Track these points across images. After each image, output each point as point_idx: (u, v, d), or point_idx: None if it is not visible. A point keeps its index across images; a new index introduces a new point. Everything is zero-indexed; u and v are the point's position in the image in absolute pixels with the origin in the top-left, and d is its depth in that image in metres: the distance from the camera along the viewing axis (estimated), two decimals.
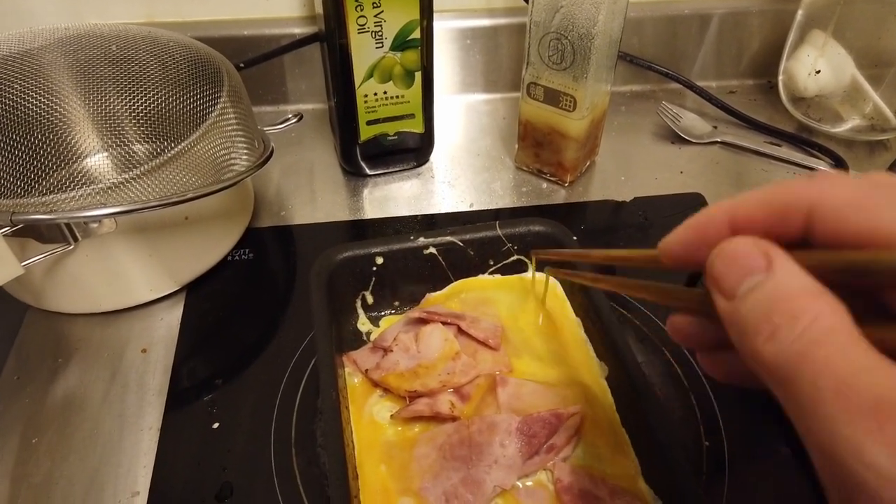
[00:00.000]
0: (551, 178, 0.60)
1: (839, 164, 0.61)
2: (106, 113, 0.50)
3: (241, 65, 0.62)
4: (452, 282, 0.46)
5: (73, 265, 0.43)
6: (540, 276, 0.44)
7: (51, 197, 0.38)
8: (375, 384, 0.40)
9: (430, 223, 0.56)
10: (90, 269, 0.44)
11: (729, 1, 0.69)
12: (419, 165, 0.62)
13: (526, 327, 0.43)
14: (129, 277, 0.46)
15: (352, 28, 0.50)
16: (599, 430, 0.37)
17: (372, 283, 0.44)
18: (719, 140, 0.65)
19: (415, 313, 0.42)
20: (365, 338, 0.44)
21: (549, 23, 0.50)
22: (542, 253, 0.41)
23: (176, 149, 0.42)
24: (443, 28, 0.66)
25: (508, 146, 0.64)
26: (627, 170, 0.62)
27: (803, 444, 0.17)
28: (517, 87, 0.58)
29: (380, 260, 0.44)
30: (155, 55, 0.49)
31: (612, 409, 0.39)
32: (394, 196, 0.59)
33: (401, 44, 0.52)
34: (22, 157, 0.46)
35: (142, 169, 0.40)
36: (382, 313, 0.45)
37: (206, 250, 0.49)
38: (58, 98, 0.50)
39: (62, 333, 0.47)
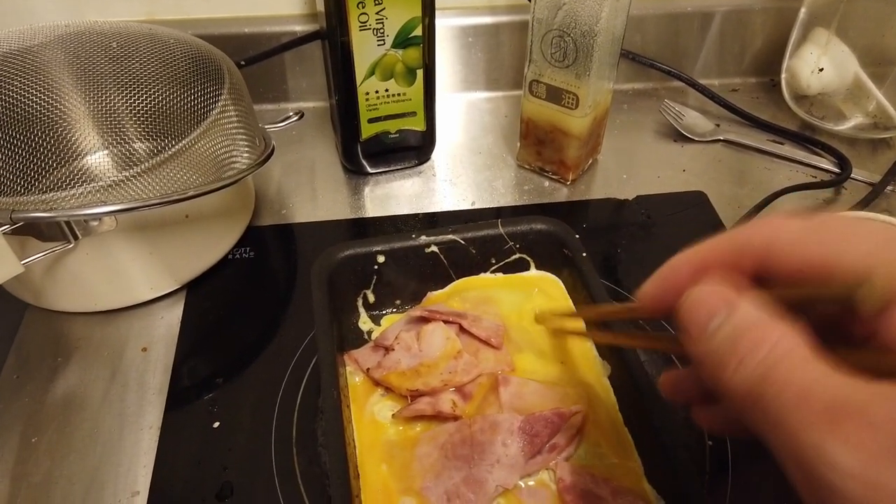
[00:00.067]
0: (553, 177, 0.60)
1: (842, 162, 0.61)
2: (106, 110, 0.50)
3: (242, 62, 0.62)
4: (454, 280, 0.46)
5: (73, 263, 0.43)
6: (541, 273, 0.44)
7: (51, 195, 0.38)
8: (377, 383, 0.40)
9: (432, 221, 0.56)
10: (90, 267, 0.44)
11: None
12: (421, 163, 0.62)
13: (528, 326, 0.43)
14: (129, 276, 0.46)
15: (353, 25, 0.49)
16: (602, 429, 0.37)
17: (373, 282, 0.44)
18: (722, 138, 0.65)
19: (416, 312, 0.42)
20: (366, 336, 0.44)
21: (551, 20, 0.50)
22: (544, 317, 0.42)
23: (176, 146, 0.41)
24: (445, 25, 0.66)
25: (510, 144, 0.64)
26: (630, 168, 0.62)
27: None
28: (519, 84, 0.58)
29: (381, 258, 0.43)
30: (155, 53, 0.49)
31: (615, 408, 0.38)
32: (395, 194, 0.59)
33: (402, 41, 0.52)
34: (22, 154, 0.46)
35: (142, 167, 0.40)
36: (384, 312, 0.45)
37: (206, 249, 0.49)
38: (58, 95, 0.50)
39: (62, 332, 0.46)
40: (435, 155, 0.62)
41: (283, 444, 0.39)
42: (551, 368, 0.40)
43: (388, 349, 0.40)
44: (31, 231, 0.40)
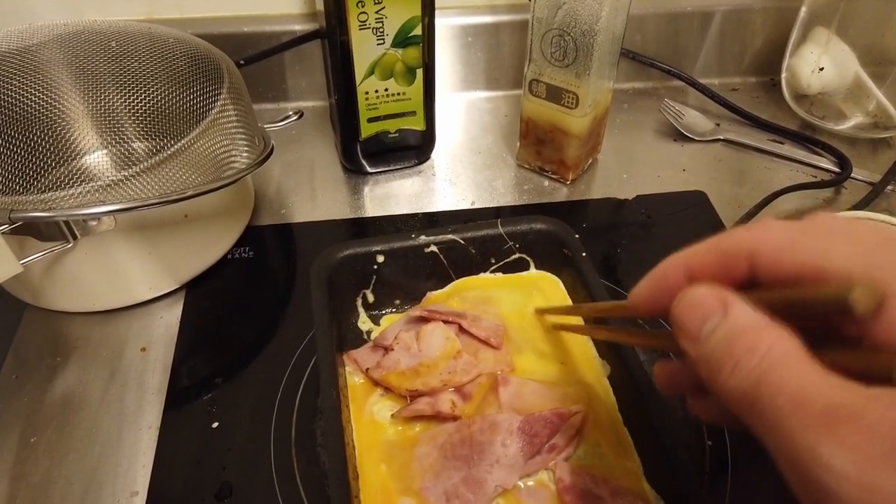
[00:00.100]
0: (553, 176, 0.60)
1: (842, 161, 0.61)
2: (105, 110, 0.50)
3: (242, 62, 0.62)
4: (454, 280, 0.45)
5: (72, 263, 0.43)
6: (540, 273, 0.44)
7: (49, 194, 0.38)
8: (376, 383, 0.40)
9: (432, 221, 0.56)
10: (89, 267, 0.44)
11: None
12: (420, 163, 0.62)
13: (528, 326, 0.43)
14: (128, 276, 0.46)
15: (353, 25, 0.49)
16: (601, 429, 0.37)
17: (373, 282, 0.44)
18: (722, 138, 0.65)
19: (416, 312, 0.42)
20: (365, 336, 0.44)
21: (551, 19, 0.50)
22: (543, 310, 0.43)
23: (176, 146, 0.41)
24: (444, 25, 0.66)
25: (510, 144, 0.64)
26: (630, 167, 0.62)
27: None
28: (519, 84, 0.58)
29: (381, 258, 0.43)
30: (155, 52, 0.48)
31: (615, 408, 0.38)
32: (395, 194, 0.59)
33: (402, 41, 0.52)
34: (21, 154, 0.46)
35: (141, 166, 0.40)
36: (383, 312, 0.45)
37: (205, 248, 0.49)
38: (57, 95, 0.50)
39: (61, 332, 0.46)
40: (434, 154, 0.62)
41: (283, 445, 0.39)
42: (551, 368, 0.40)
43: (387, 349, 0.40)
44: (30, 231, 0.40)
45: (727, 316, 0.20)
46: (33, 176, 0.46)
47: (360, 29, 0.50)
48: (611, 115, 0.61)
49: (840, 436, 0.16)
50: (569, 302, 0.44)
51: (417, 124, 0.58)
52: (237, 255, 0.51)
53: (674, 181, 0.60)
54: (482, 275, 0.46)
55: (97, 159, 0.54)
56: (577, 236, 0.44)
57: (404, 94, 0.55)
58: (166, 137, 0.51)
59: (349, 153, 0.59)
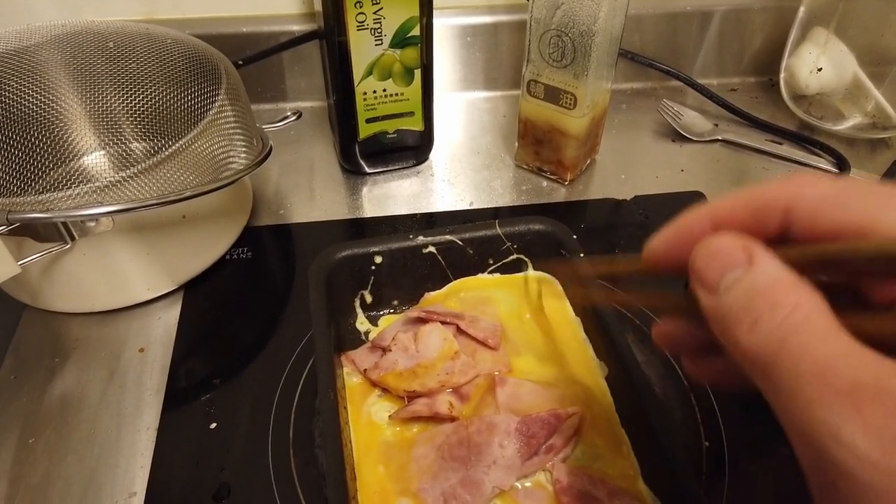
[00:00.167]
0: (551, 177, 0.60)
1: (840, 162, 0.61)
2: (103, 110, 0.50)
3: (240, 62, 0.62)
4: (452, 281, 0.45)
5: (70, 264, 0.43)
6: (532, 273, 0.44)
7: (47, 195, 0.38)
8: (374, 384, 0.40)
9: (430, 222, 0.56)
10: (87, 268, 0.44)
11: None
12: (419, 163, 0.62)
13: (525, 327, 0.43)
14: (126, 276, 0.46)
15: (351, 25, 0.49)
16: (599, 430, 0.37)
17: (371, 283, 0.44)
18: (720, 138, 0.65)
19: (414, 312, 0.42)
20: (363, 337, 0.44)
21: (549, 20, 0.50)
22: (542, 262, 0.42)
23: (174, 147, 0.41)
24: (443, 25, 0.66)
25: (508, 144, 0.64)
26: (628, 168, 0.62)
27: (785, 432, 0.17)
28: (517, 84, 0.58)
29: (379, 259, 0.43)
30: (153, 52, 0.48)
31: (612, 409, 0.38)
32: (393, 194, 0.59)
33: (400, 41, 0.52)
34: (18, 155, 0.46)
35: (139, 167, 0.40)
36: (381, 312, 0.45)
37: (204, 249, 0.49)
38: (55, 95, 0.50)
39: (59, 333, 0.46)
40: (433, 155, 0.62)
41: (281, 446, 0.39)
42: (548, 369, 0.40)
43: (385, 350, 0.40)
44: (28, 232, 0.40)
45: (752, 268, 0.19)
46: (31, 177, 0.46)
47: (359, 29, 0.50)
48: (609, 115, 0.61)
49: (867, 415, 0.15)
50: (566, 303, 0.44)
51: (416, 125, 0.58)
52: (235, 256, 0.51)
53: (672, 182, 0.60)
54: (480, 275, 0.46)
55: (95, 160, 0.54)
56: (574, 237, 0.44)
57: (402, 94, 0.55)
58: (164, 138, 0.51)
59: (347, 154, 0.59)
